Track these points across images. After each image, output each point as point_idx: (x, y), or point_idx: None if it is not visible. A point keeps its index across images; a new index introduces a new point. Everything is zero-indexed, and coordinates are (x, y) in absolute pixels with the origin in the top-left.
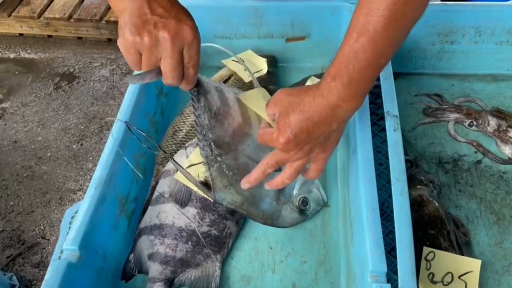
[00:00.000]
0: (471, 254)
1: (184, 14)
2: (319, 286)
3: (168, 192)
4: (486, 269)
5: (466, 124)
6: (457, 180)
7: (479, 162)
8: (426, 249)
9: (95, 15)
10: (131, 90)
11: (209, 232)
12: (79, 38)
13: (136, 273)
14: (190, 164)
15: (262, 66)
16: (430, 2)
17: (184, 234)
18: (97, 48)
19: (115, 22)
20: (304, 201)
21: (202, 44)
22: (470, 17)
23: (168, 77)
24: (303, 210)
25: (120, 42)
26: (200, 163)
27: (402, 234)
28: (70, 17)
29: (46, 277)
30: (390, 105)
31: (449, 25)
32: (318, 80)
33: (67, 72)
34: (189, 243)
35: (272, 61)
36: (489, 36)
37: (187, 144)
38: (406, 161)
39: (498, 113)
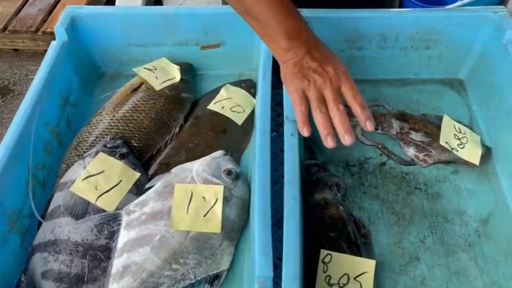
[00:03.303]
0: (370, 255)
1: None
2: None
3: (63, 206)
4: (384, 269)
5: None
6: (362, 183)
7: (383, 164)
8: (323, 252)
9: (31, 26)
10: (29, 98)
11: (108, 245)
12: (15, 50)
13: None
14: (88, 175)
15: (175, 74)
16: (335, 9)
17: (80, 248)
18: (34, 60)
19: (52, 33)
20: (230, 171)
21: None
22: (374, 23)
23: None
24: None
25: None
26: (98, 173)
27: (290, 238)
28: (5, 28)
29: None
30: (290, 110)
31: (355, 32)
32: (233, 87)
33: (2, 85)
34: (86, 257)
35: (188, 68)
36: (393, 42)
37: (85, 155)
38: (314, 165)
39: (401, 116)
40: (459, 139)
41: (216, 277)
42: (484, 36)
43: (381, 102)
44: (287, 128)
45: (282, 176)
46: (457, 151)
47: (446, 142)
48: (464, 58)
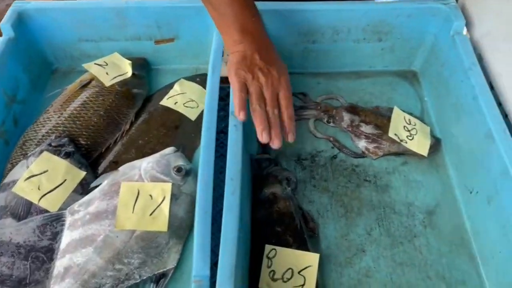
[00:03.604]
0: (316, 248)
1: None
2: None
3: (5, 207)
4: (330, 262)
5: (325, 121)
6: (312, 176)
7: (334, 157)
8: (268, 247)
9: None
10: None
11: (51, 246)
12: None
13: None
14: (30, 175)
15: (126, 69)
16: (287, 2)
17: (22, 250)
18: None
19: None
20: (179, 168)
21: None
22: (326, 16)
23: None
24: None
25: None
26: (42, 173)
27: (227, 235)
28: None
29: None
30: None
31: (308, 25)
32: (187, 82)
33: None
34: (28, 259)
35: (142, 63)
36: (346, 35)
37: (29, 154)
38: (266, 159)
39: (352, 109)
40: (408, 130)
41: (163, 275)
42: (434, 27)
43: (335, 95)
44: (232, 123)
45: None
46: (406, 142)
47: (395, 134)
48: (417, 49)
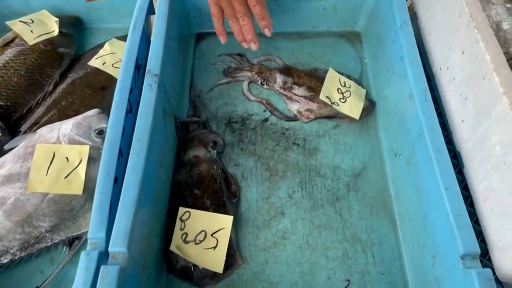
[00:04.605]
0: (236, 211)
1: None
2: None
3: None
4: (248, 224)
5: (259, 83)
6: (241, 139)
7: (265, 120)
8: (181, 210)
9: None
10: None
11: None
12: None
13: None
14: None
15: (53, 27)
16: None
17: None
18: None
19: None
20: (101, 130)
21: None
22: None
23: None
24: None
25: None
26: None
27: (126, 196)
28: None
29: None
30: (154, 64)
31: None
32: (119, 42)
33: None
34: None
35: (73, 22)
36: None
37: None
38: (195, 122)
39: (286, 70)
40: (342, 93)
41: (77, 238)
42: None
43: (272, 56)
44: (147, 81)
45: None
46: (338, 105)
47: (327, 97)
48: (359, 9)
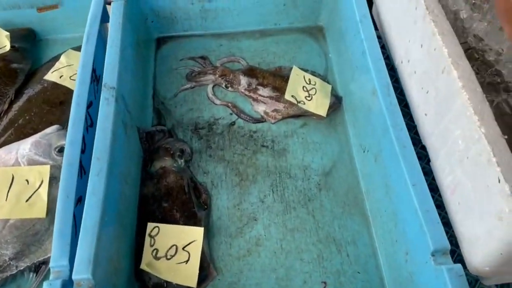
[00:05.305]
0: (207, 221)
1: None
2: None
3: None
4: (220, 234)
5: (223, 86)
6: (209, 145)
7: (232, 124)
8: (150, 225)
9: None
10: None
11: None
12: None
13: None
14: None
15: (4, 42)
16: None
17: None
18: None
19: None
20: (62, 148)
21: None
22: None
23: None
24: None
25: None
26: None
27: (88, 219)
28: None
29: None
30: (110, 76)
31: None
32: (75, 53)
33: None
34: None
35: (25, 34)
36: None
37: None
38: (160, 131)
39: (250, 71)
40: (307, 91)
41: (43, 263)
42: None
43: (236, 57)
44: (104, 94)
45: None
46: (304, 103)
47: (292, 96)
48: (320, 3)
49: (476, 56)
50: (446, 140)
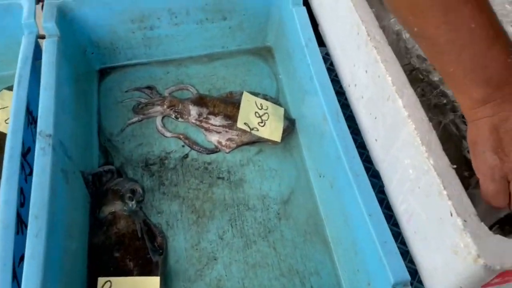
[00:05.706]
0: (164, 265)
1: None
2: None
3: None
4: (179, 278)
5: (173, 117)
6: (162, 182)
7: (185, 156)
8: (101, 280)
9: None
10: None
11: None
12: None
13: None
14: None
15: None
16: None
17: None
18: None
19: None
20: None
21: None
22: None
23: None
24: None
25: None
26: None
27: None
28: None
29: None
30: (45, 122)
31: (138, 10)
32: (10, 93)
33: None
34: None
35: None
36: (185, 17)
37: None
38: (108, 171)
39: (200, 100)
40: (260, 116)
41: None
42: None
43: (185, 85)
44: (39, 144)
45: None
46: (258, 130)
47: (245, 123)
48: (266, 24)
49: (421, 77)
50: (397, 168)
